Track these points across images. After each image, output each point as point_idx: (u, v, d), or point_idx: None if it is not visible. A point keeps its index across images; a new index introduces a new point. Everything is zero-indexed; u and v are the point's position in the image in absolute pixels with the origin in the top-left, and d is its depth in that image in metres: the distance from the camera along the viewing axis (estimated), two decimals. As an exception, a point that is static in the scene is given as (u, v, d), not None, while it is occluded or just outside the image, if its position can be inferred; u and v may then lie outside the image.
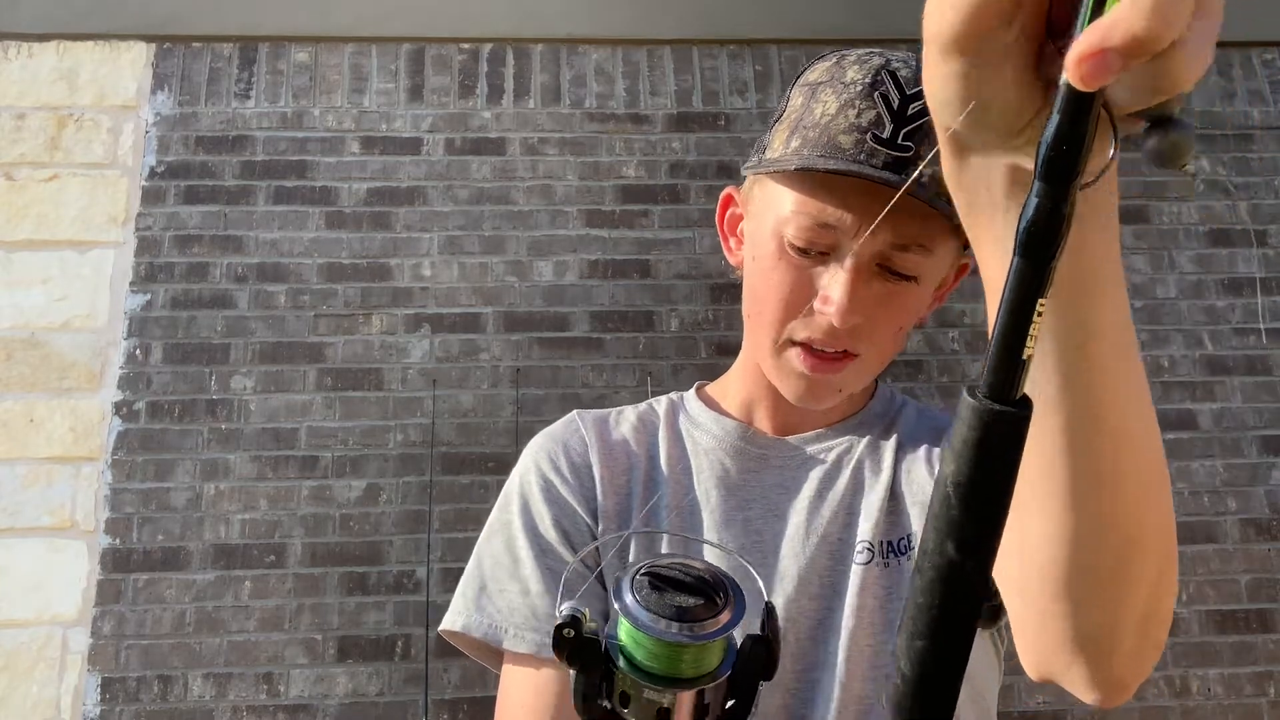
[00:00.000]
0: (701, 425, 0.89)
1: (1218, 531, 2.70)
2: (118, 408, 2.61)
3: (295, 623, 2.50)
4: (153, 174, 2.78)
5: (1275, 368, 2.87)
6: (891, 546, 0.80)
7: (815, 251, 0.76)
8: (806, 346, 0.79)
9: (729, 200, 0.90)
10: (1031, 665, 0.60)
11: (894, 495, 0.83)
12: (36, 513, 2.51)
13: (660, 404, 0.92)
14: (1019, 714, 2.51)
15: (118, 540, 2.52)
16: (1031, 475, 0.50)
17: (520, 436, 2.53)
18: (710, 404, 0.91)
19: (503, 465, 2.56)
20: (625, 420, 0.90)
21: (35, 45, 2.85)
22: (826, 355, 0.79)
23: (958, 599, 0.37)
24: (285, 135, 2.85)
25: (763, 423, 0.89)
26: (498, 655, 0.81)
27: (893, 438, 0.87)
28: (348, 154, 2.85)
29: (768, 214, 0.79)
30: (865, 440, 0.86)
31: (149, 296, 2.70)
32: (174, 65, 2.88)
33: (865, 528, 0.81)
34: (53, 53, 2.85)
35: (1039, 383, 0.47)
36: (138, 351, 2.65)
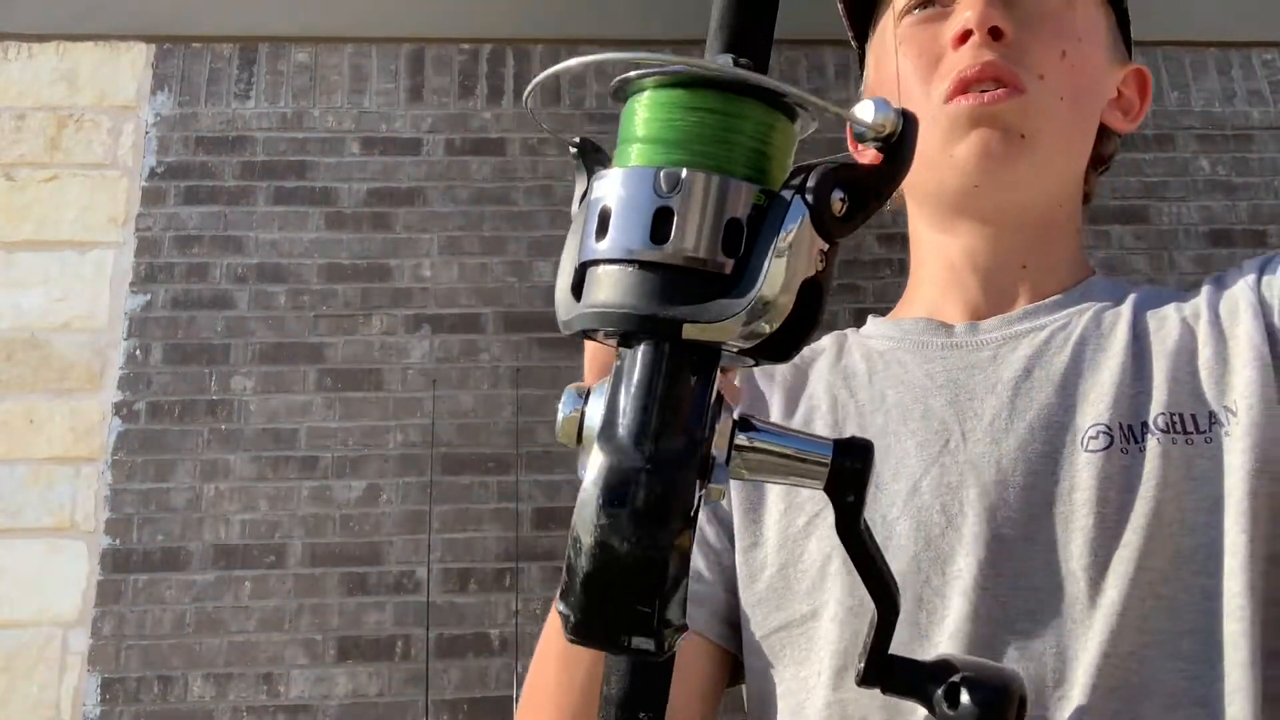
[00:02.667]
0: (875, 335, 0.75)
1: (1218, 531, 2.70)
2: (118, 408, 2.60)
3: (295, 623, 2.50)
4: (153, 174, 2.78)
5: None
6: (1136, 430, 0.62)
7: (938, 1, 0.71)
8: (958, 86, 0.68)
9: None
10: None
11: (1135, 367, 0.65)
12: (37, 513, 2.51)
13: (826, 338, 0.78)
14: (1019, 714, 2.50)
15: (118, 541, 2.51)
16: None
17: (520, 437, 2.52)
18: (892, 318, 0.78)
19: (503, 466, 2.55)
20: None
21: (35, 45, 2.84)
22: (986, 90, 0.67)
23: None
24: (285, 136, 2.85)
25: (953, 312, 0.73)
26: None
27: (1126, 306, 0.69)
28: (348, 154, 2.85)
29: (885, 33, 0.71)
30: (1088, 314, 0.69)
31: (149, 297, 2.69)
32: (174, 66, 2.87)
33: (1097, 409, 0.64)
34: (53, 53, 2.85)
35: None
36: (138, 352, 2.65)
